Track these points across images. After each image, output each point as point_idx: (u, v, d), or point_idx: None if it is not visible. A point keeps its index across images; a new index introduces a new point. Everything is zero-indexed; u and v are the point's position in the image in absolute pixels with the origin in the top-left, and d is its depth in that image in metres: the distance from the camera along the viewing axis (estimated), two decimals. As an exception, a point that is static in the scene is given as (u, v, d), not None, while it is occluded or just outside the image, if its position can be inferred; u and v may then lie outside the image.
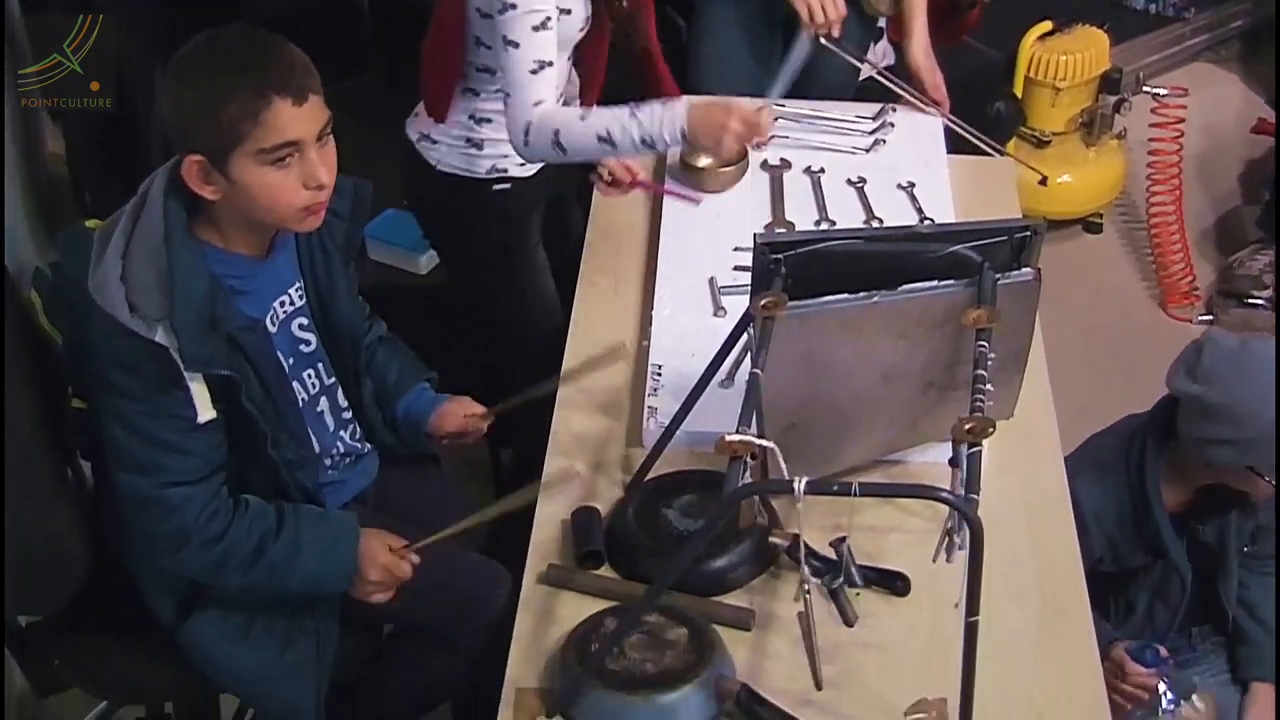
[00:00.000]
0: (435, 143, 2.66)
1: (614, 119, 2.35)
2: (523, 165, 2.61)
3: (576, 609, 2.03)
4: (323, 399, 2.24)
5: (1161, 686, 2.39)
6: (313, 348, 2.21)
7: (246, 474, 2.09)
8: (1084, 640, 2.02)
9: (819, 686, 1.92)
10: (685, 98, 2.40)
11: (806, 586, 1.89)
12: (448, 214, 2.75)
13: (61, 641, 2.29)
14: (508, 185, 2.65)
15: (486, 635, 2.26)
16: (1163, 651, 2.49)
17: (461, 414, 2.41)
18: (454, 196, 2.68)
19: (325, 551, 2.12)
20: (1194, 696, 2.47)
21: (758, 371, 1.86)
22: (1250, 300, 4.10)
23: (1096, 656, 2.00)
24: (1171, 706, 2.43)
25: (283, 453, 2.09)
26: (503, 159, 2.62)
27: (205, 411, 1.95)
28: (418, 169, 2.67)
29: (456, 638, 2.30)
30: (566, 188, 2.89)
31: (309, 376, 2.22)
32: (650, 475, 2.21)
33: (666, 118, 2.33)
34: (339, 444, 2.29)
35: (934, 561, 1.72)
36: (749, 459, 1.77)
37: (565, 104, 2.51)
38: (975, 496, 1.69)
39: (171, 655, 2.22)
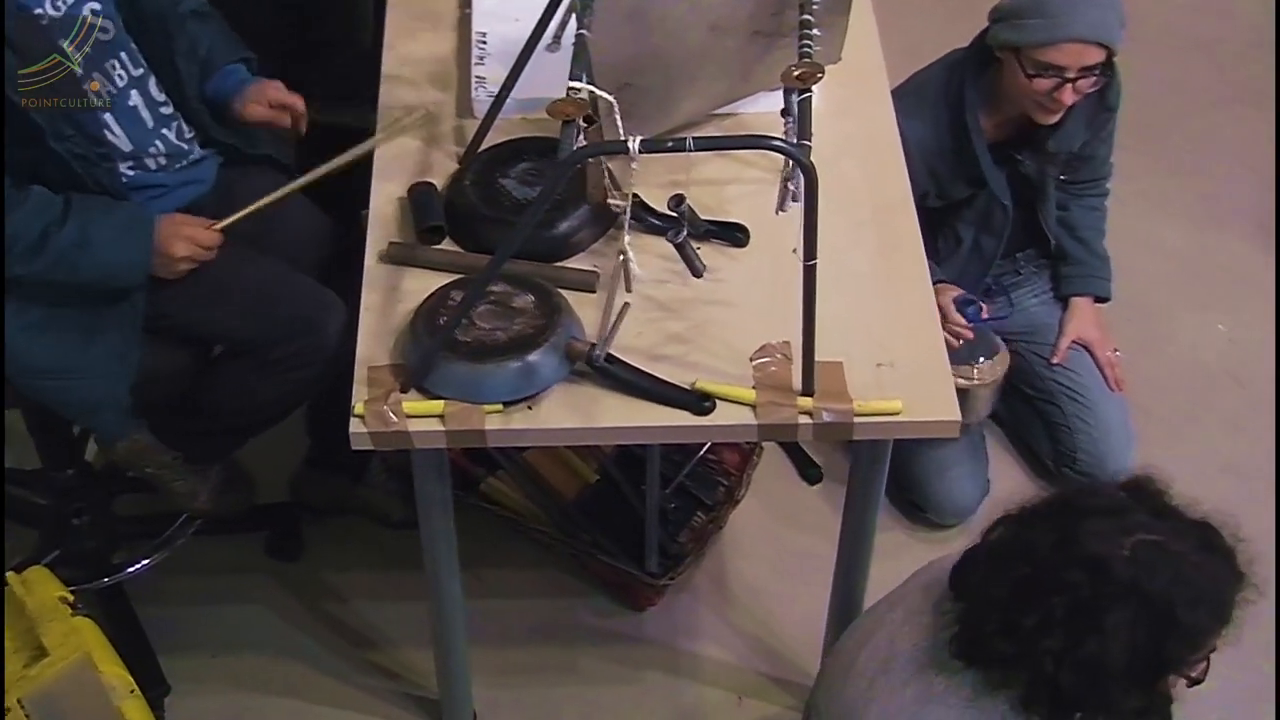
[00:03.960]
0: None
1: None
2: None
3: (422, 284, 2.03)
4: (133, 92, 2.13)
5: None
6: (111, 35, 2.08)
7: (39, 168, 1.99)
8: (919, 275, 2.08)
9: (606, 355, 1.92)
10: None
11: (624, 257, 1.88)
12: None
13: None
14: None
15: (318, 367, 2.22)
16: (984, 311, 2.61)
17: (268, 99, 2.25)
18: None
19: (117, 240, 2.04)
20: (994, 357, 2.61)
21: (584, 32, 1.82)
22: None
23: (931, 290, 2.06)
24: (981, 359, 2.59)
25: (69, 146, 1.99)
26: None
27: None
28: None
29: (285, 361, 2.23)
30: None
31: (114, 68, 2.09)
32: (484, 146, 2.18)
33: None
34: (159, 143, 2.17)
35: (776, 214, 1.74)
36: (582, 122, 1.75)
37: None
38: (808, 142, 1.70)
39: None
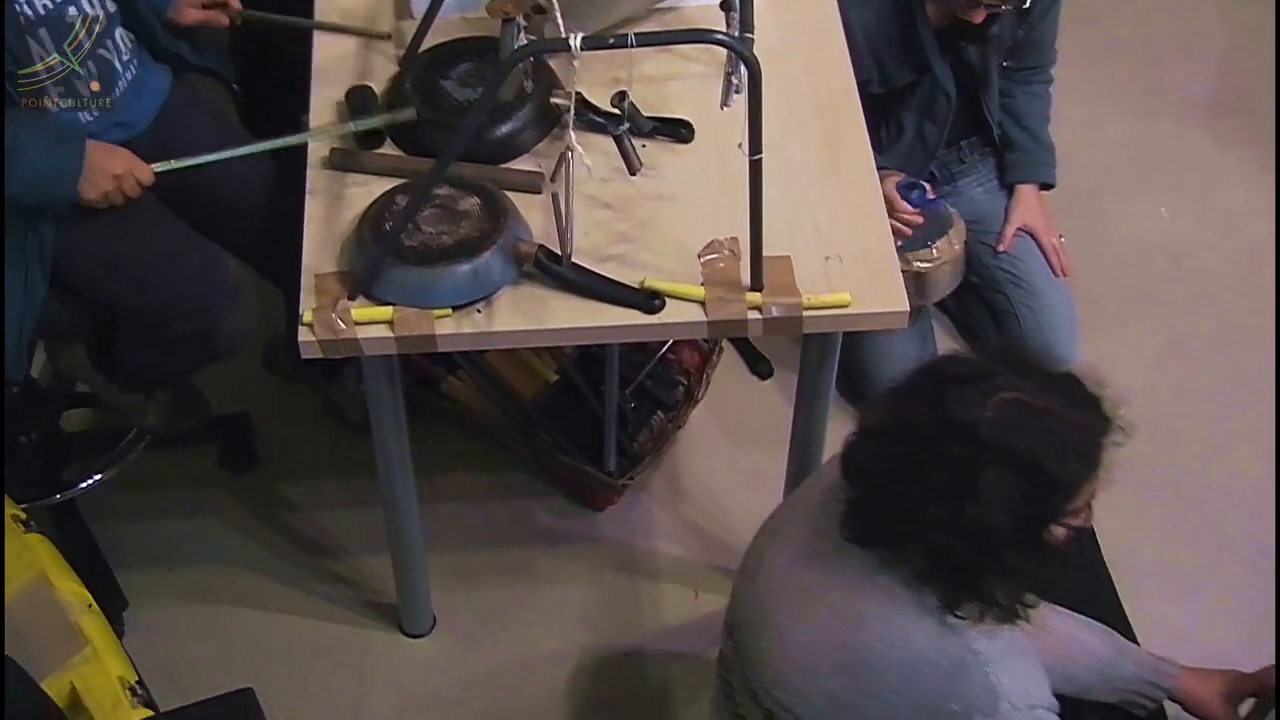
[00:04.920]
0: None
1: None
2: None
3: (365, 190, 2.02)
4: (70, 8, 2.07)
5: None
6: None
7: None
8: (865, 167, 2.08)
9: (568, 254, 1.93)
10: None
11: (570, 154, 1.87)
12: None
13: None
14: None
15: (209, 354, 2.22)
16: (929, 191, 2.62)
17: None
18: None
19: (49, 149, 1.99)
20: (949, 233, 2.62)
21: (521, -74, 1.79)
22: None
23: (876, 179, 2.07)
24: (936, 240, 2.60)
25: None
26: None
27: None
28: None
29: (174, 340, 2.20)
30: None
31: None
32: (424, 47, 2.15)
33: None
34: (91, 65, 2.11)
35: (721, 109, 1.74)
36: (521, 20, 1.73)
37: None
38: (750, 36, 1.70)
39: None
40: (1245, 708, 2.07)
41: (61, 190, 2.03)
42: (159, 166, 2.07)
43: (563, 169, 1.86)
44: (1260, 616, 2.45)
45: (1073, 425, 1.56)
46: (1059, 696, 1.80)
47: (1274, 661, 2.07)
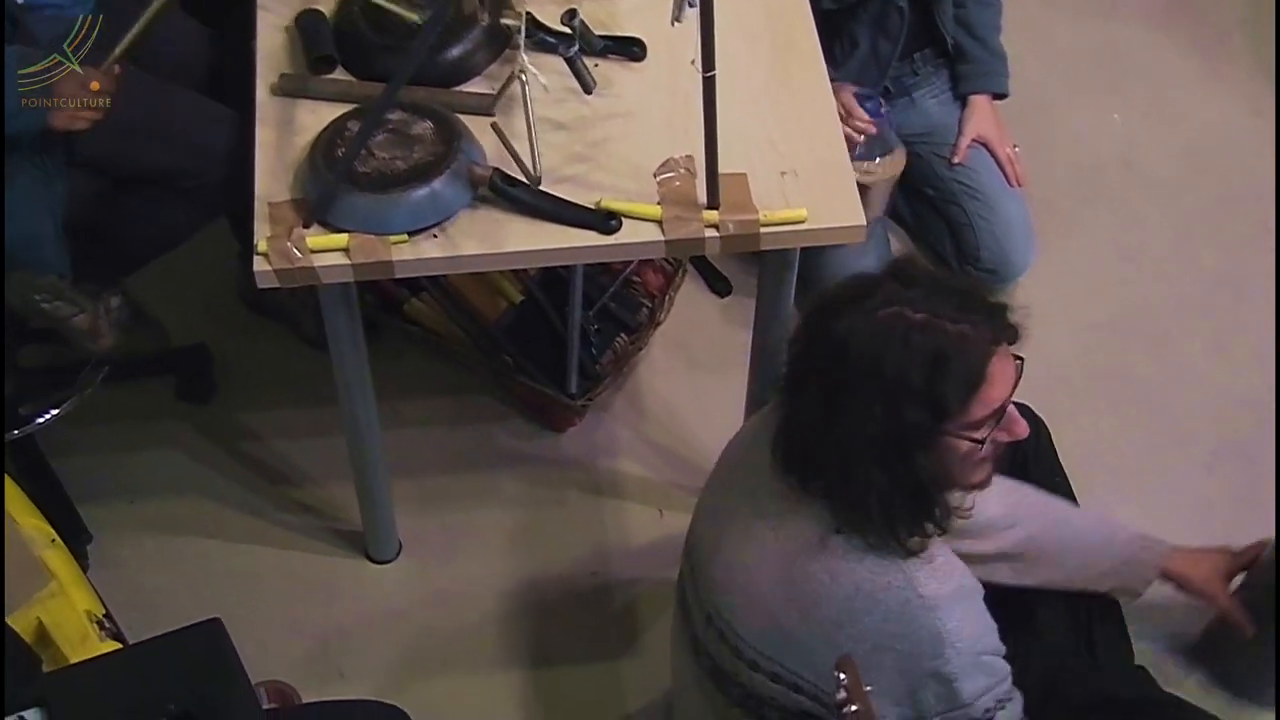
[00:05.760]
0: None
1: None
2: None
3: (316, 116, 2.01)
4: None
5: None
6: None
7: None
8: (818, 82, 2.09)
9: (534, 178, 1.93)
10: None
11: (523, 74, 1.88)
12: None
13: None
14: None
15: (217, 174, 2.20)
16: (882, 106, 2.61)
17: None
18: None
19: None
20: (893, 153, 2.64)
21: None
22: None
23: (830, 96, 2.08)
24: (877, 157, 2.61)
25: None
26: None
27: None
28: None
29: (191, 186, 2.21)
30: None
31: None
32: (371, -32, 2.13)
33: None
34: None
35: (672, 25, 1.73)
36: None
37: None
38: (702, -50, 1.68)
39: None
40: (1233, 584, 2.14)
41: (30, 123, 2.01)
42: (109, 60, 2.03)
43: (519, 90, 1.85)
44: (1215, 513, 2.51)
45: (948, 335, 1.53)
46: (1026, 620, 1.83)
47: (1257, 539, 2.14)
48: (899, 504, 1.59)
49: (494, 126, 1.91)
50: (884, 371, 1.52)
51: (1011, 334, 1.59)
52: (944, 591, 1.62)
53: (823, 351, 1.57)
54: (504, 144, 1.91)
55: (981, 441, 1.59)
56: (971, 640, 1.64)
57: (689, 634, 1.87)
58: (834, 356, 1.55)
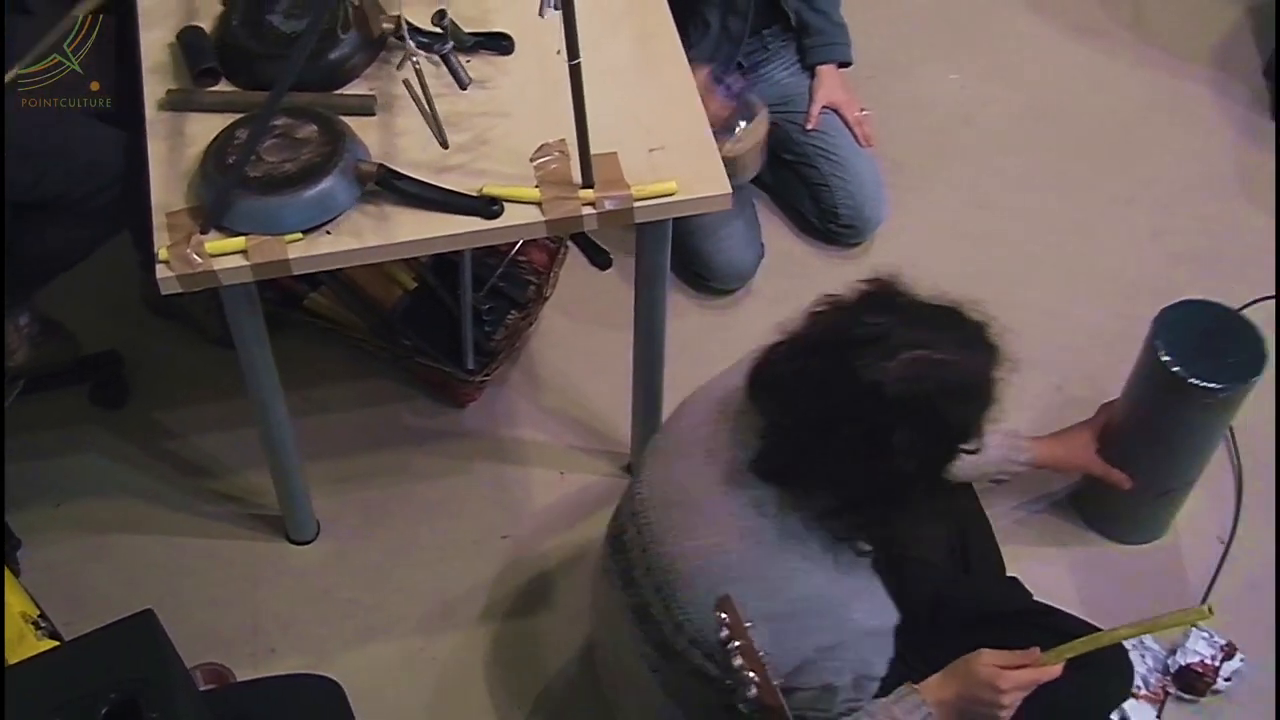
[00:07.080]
0: None
1: None
2: None
3: (205, 127, 2.05)
4: None
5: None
6: None
7: None
8: (676, 59, 2.18)
9: (445, 145, 2.01)
10: None
11: (415, 61, 1.95)
12: None
13: None
14: None
15: (114, 191, 2.22)
16: (737, 80, 2.71)
17: None
18: None
19: None
20: (755, 119, 2.72)
21: None
22: None
23: (689, 71, 2.16)
24: (741, 124, 2.69)
25: None
26: None
27: None
28: None
29: (83, 203, 2.23)
30: None
31: None
32: (246, -17, 2.17)
33: None
34: None
35: (541, 16, 1.81)
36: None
37: None
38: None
39: None
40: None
41: None
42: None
43: (406, 84, 1.91)
44: (1065, 421, 2.54)
45: (968, 370, 1.65)
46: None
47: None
48: (876, 509, 1.71)
49: (405, 84, 1.96)
50: (921, 411, 1.62)
51: (1001, 355, 1.71)
52: (871, 623, 1.76)
53: (846, 394, 1.63)
54: (420, 109, 1.97)
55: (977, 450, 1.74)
56: (877, 624, 1.77)
57: (631, 600, 1.90)
58: (867, 401, 1.62)
